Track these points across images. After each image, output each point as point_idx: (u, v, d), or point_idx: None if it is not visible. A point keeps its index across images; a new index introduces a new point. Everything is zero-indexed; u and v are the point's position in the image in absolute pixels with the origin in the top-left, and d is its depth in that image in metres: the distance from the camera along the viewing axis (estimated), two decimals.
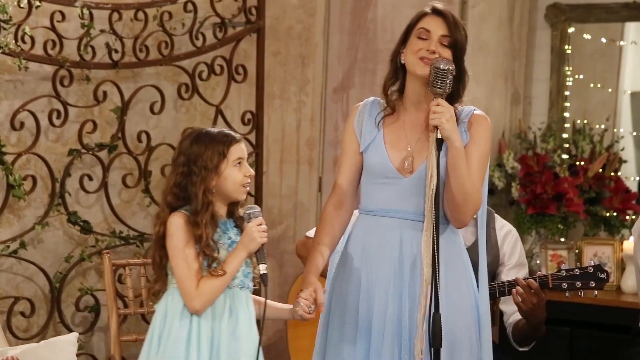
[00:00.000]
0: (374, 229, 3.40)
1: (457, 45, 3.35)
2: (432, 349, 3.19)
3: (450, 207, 3.32)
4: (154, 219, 3.41)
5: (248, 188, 3.37)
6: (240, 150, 3.35)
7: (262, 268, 3.31)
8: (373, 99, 3.52)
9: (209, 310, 3.30)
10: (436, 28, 3.35)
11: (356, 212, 3.52)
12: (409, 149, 3.39)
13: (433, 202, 3.23)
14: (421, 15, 3.40)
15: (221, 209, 3.36)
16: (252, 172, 3.38)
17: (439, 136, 3.23)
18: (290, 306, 3.41)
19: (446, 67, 3.25)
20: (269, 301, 3.38)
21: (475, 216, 3.45)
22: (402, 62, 3.40)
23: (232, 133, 3.37)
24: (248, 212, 3.34)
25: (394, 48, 3.45)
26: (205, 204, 3.28)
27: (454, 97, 3.36)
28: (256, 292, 3.44)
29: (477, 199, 3.33)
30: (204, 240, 3.27)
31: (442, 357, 3.21)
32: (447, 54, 3.33)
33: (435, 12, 3.38)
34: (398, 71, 3.43)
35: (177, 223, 3.29)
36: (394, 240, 3.35)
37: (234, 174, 3.32)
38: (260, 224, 3.31)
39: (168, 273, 3.35)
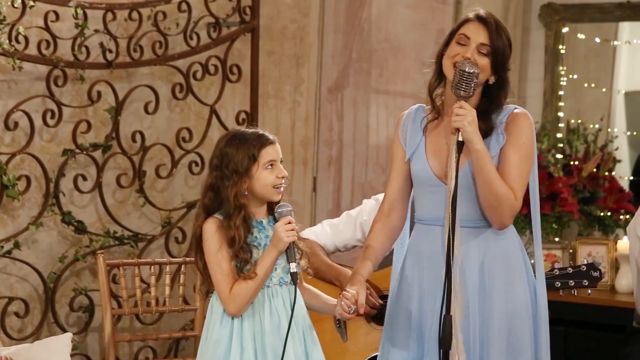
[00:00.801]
0: (426, 237, 3.40)
1: (497, 54, 3.31)
2: (441, 350, 3.18)
3: (485, 209, 3.31)
4: (193, 222, 3.44)
5: (282, 189, 3.37)
6: (273, 152, 3.36)
7: (292, 266, 3.33)
8: (418, 105, 3.50)
9: (249, 309, 3.33)
10: (476, 35, 3.31)
11: None
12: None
13: (451, 205, 3.20)
14: (464, 21, 3.37)
15: (259, 209, 3.39)
16: (285, 173, 3.37)
17: (460, 139, 3.20)
18: (335, 301, 3.44)
19: (471, 70, 3.22)
20: (319, 292, 3.46)
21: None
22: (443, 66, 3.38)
23: (266, 134, 3.37)
24: (278, 211, 3.36)
25: (438, 50, 3.42)
26: (237, 207, 3.31)
27: (494, 105, 3.34)
28: None
29: (512, 199, 3.29)
30: (237, 243, 3.30)
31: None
32: (484, 62, 3.29)
33: (479, 18, 3.34)
34: (441, 74, 3.39)
35: (210, 229, 3.33)
36: (442, 247, 3.31)
37: (265, 177, 3.33)
38: (288, 223, 3.32)
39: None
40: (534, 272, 3.46)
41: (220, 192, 3.34)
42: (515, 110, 3.38)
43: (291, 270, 3.33)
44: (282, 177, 3.36)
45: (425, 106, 3.47)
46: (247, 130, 3.40)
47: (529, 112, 3.41)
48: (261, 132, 3.39)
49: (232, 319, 3.33)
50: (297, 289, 3.34)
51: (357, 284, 3.34)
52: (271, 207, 3.41)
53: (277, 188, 3.36)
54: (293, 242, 3.33)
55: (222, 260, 3.31)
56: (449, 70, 3.32)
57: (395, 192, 3.48)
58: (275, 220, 3.38)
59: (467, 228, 3.30)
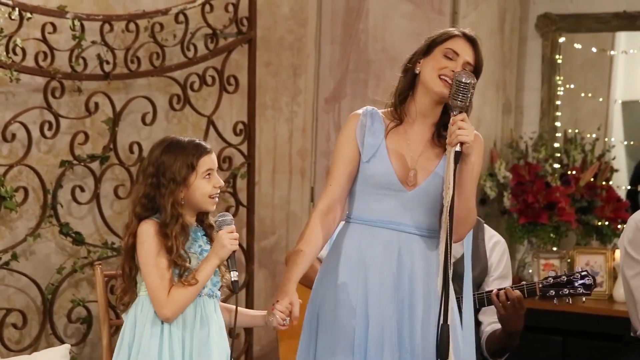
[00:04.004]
0: (371, 239, 3.38)
1: (477, 75, 3.35)
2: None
3: (457, 221, 3.27)
4: (123, 231, 3.40)
5: (216, 199, 3.35)
6: (210, 161, 3.33)
7: (234, 275, 3.31)
8: (371, 108, 3.49)
9: (179, 318, 3.30)
10: (464, 53, 3.35)
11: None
12: (412, 161, 3.38)
13: (448, 215, 3.20)
14: (451, 36, 3.39)
15: (191, 218, 3.36)
16: (221, 183, 3.35)
17: (458, 149, 3.20)
18: (263, 313, 3.41)
19: (468, 81, 3.23)
20: (241, 308, 3.40)
21: None
22: (417, 72, 3.39)
23: (203, 143, 3.35)
24: (220, 219, 3.34)
25: (411, 57, 3.42)
26: (174, 216, 3.28)
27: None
28: (225, 301, 3.45)
29: (475, 214, 3.40)
30: (174, 251, 3.26)
31: None
32: None
33: (466, 37, 3.38)
34: (412, 81, 3.40)
35: (147, 231, 3.28)
36: (394, 252, 3.34)
37: (203, 186, 3.31)
38: (231, 232, 3.31)
39: (138, 282, 3.35)
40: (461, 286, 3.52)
41: (156, 200, 3.30)
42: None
43: (233, 279, 3.30)
44: (219, 187, 3.34)
45: (377, 109, 3.47)
46: (182, 138, 3.36)
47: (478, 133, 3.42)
48: (197, 140, 3.36)
49: (162, 326, 3.28)
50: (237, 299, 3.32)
51: (290, 294, 3.28)
52: (199, 217, 3.38)
53: (212, 198, 3.33)
54: (234, 251, 3.31)
55: (160, 264, 3.26)
56: (433, 82, 3.34)
57: (338, 191, 3.43)
58: (209, 230, 3.36)
59: (418, 236, 3.34)
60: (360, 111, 3.48)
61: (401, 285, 3.33)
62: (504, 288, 3.91)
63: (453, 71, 3.31)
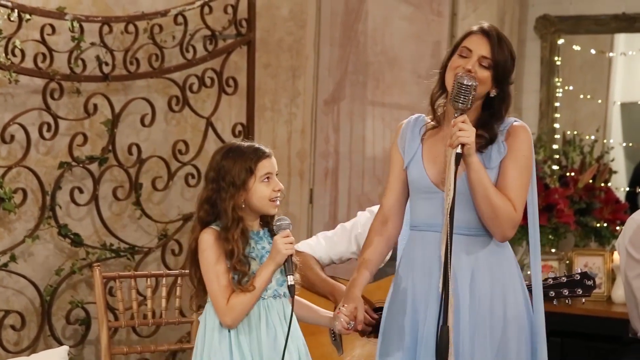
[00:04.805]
0: (418, 244, 3.40)
1: (498, 67, 3.33)
2: None
3: (484, 221, 3.31)
4: (189, 235, 3.43)
5: (278, 202, 3.38)
6: (269, 165, 3.36)
7: (289, 279, 3.33)
8: (417, 115, 3.51)
9: (245, 322, 3.34)
10: (477, 48, 3.33)
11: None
12: (446, 163, 3.37)
13: (449, 216, 3.21)
14: (467, 34, 3.38)
15: (253, 222, 3.39)
16: (281, 186, 3.39)
17: (459, 151, 3.20)
18: (329, 313, 3.46)
19: (469, 83, 3.23)
20: (311, 304, 3.49)
21: None
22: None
23: (262, 148, 3.38)
24: (277, 224, 3.36)
25: (443, 61, 3.43)
26: (235, 220, 3.31)
27: (495, 117, 3.35)
28: None
29: (510, 211, 3.30)
30: (235, 255, 3.29)
31: None
32: (485, 74, 3.31)
33: (482, 31, 3.36)
34: (444, 85, 3.40)
35: (207, 240, 3.32)
36: (435, 254, 3.33)
37: (262, 190, 3.34)
38: (287, 236, 3.33)
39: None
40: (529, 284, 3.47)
41: (217, 205, 3.34)
42: (515, 123, 3.40)
43: (289, 283, 3.33)
44: (279, 190, 3.37)
45: (425, 116, 3.49)
46: (243, 143, 3.41)
47: (527, 125, 3.43)
48: (257, 145, 3.40)
49: (229, 332, 3.33)
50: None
51: (356, 300, 3.35)
52: (264, 219, 3.42)
53: (273, 201, 3.37)
54: (290, 255, 3.33)
55: (220, 272, 3.31)
56: (450, 82, 3.33)
57: (393, 200, 3.49)
58: (272, 233, 3.38)
59: (462, 235, 3.30)
60: (405, 120, 3.52)
61: (450, 288, 3.31)
62: None
63: (464, 69, 3.29)
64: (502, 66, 3.34)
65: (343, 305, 3.33)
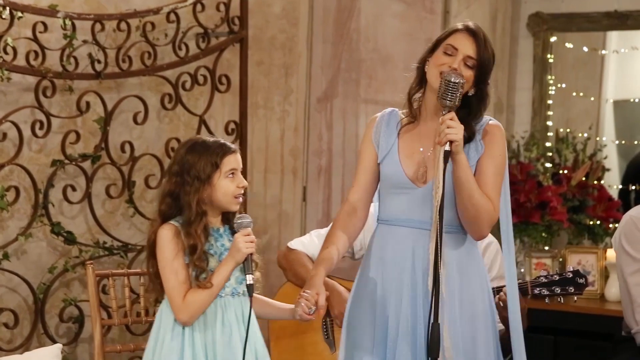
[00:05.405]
0: (389, 238, 3.41)
1: (482, 67, 3.34)
2: (429, 359, 3.18)
3: (464, 220, 3.33)
4: (148, 227, 3.42)
5: (241, 199, 3.37)
6: (234, 161, 3.36)
7: (248, 279, 3.32)
8: (391, 109, 3.53)
9: (200, 320, 3.31)
10: (464, 47, 3.34)
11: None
12: (423, 158, 3.39)
13: (438, 213, 3.22)
14: (453, 31, 3.38)
15: (215, 218, 3.38)
16: (245, 183, 3.38)
17: (448, 148, 3.22)
18: (290, 306, 3.43)
19: (457, 81, 3.24)
20: (269, 300, 3.48)
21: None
22: (425, 70, 3.41)
23: (228, 143, 3.38)
24: (237, 222, 3.36)
25: (422, 56, 3.44)
26: (199, 214, 3.30)
27: (472, 116, 3.37)
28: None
29: (491, 210, 3.33)
30: (197, 250, 3.28)
31: None
32: (469, 74, 3.32)
33: (468, 30, 3.36)
34: (422, 79, 3.42)
35: (166, 235, 3.31)
36: (407, 249, 3.36)
37: (226, 185, 3.33)
38: (247, 235, 3.31)
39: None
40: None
41: (180, 198, 3.32)
42: (491, 122, 3.43)
43: (247, 282, 3.32)
44: (243, 187, 3.36)
45: (399, 110, 3.50)
46: (208, 138, 3.40)
47: (501, 124, 3.46)
48: (222, 141, 3.39)
49: (183, 329, 3.31)
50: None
51: (317, 285, 3.31)
52: (226, 216, 3.40)
53: (237, 197, 3.36)
54: (251, 254, 3.32)
55: (177, 268, 3.29)
56: (434, 78, 3.34)
57: (361, 191, 3.49)
58: (233, 231, 3.37)
59: (445, 233, 3.31)
60: (379, 114, 3.53)
61: (415, 281, 3.34)
62: (501, 289, 3.91)
63: (450, 67, 3.31)
64: (485, 66, 3.36)
65: (304, 291, 3.30)
